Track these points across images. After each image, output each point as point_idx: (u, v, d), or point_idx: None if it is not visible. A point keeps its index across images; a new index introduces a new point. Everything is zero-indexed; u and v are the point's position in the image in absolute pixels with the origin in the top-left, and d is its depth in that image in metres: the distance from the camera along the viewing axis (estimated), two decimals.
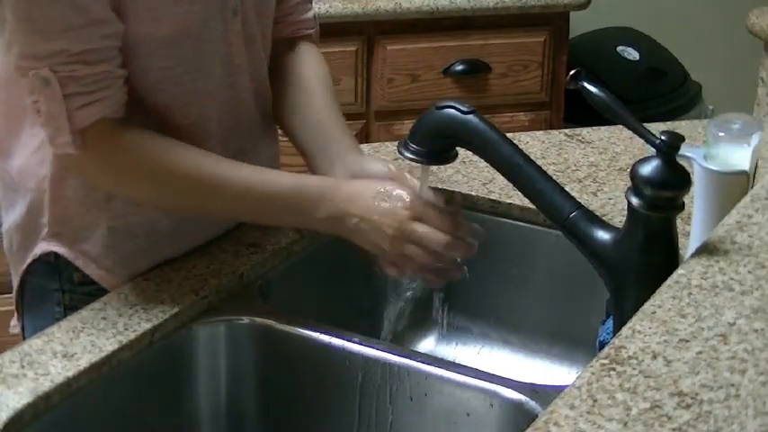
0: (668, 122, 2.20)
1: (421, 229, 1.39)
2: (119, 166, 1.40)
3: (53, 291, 1.50)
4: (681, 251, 1.31)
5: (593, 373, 1.02)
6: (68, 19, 1.31)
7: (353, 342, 1.40)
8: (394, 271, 1.44)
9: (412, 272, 1.43)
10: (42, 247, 1.49)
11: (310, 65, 1.61)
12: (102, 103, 1.35)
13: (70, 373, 1.28)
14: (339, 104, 1.60)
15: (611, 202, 1.67)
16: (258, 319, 1.44)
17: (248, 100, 1.51)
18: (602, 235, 1.30)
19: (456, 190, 1.71)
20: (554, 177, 1.35)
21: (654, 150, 1.24)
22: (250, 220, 1.54)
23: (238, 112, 1.50)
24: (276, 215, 1.46)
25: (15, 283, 1.55)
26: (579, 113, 2.87)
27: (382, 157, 1.81)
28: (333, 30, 2.77)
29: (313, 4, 1.66)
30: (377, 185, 1.42)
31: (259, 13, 1.50)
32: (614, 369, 1.02)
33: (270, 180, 1.44)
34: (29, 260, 1.51)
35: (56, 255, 1.48)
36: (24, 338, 1.49)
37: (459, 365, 1.38)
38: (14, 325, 1.58)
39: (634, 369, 1.02)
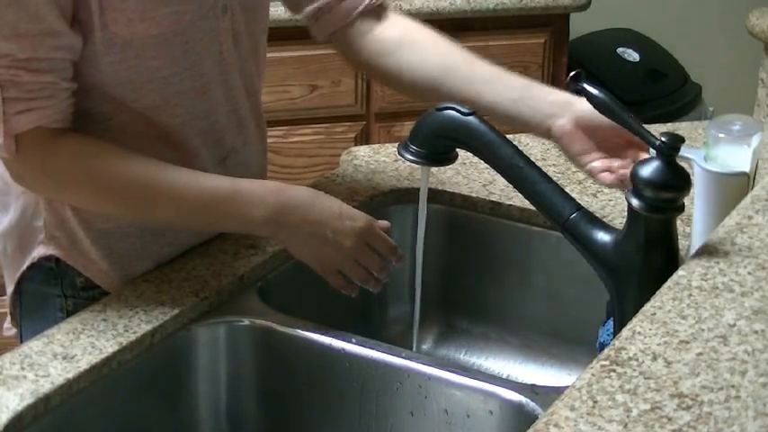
0: (668, 124, 2.21)
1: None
2: (53, 174, 1.39)
3: (54, 297, 1.50)
4: (681, 252, 1.31)
5: (593, 375, 1.02)
6: (20, 24, 1.31)
7: (353, 344, 1.39)
8: (338, 280, 1.44)
9: (358, 278, 1.44)
10: (41, 251, 1.48)
11: (422, 33, 1.58)
12: (40, 112, 1.34)
13: (70, 375, 1.28)
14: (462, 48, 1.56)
15: (611, 203, 1.67)
16: (258, 321, 1.44)
17: (239, 97, 1.51)
18: (603, 236, 1.30)
19: (456, 191, 1.71)
20: (554, 179, 1.35)
21: (654, 152, 1.24)
22: (188, 225, 1.49)
23: (229, 109, 1.50)
24: (214, 219, 1.44)
25: (10, 288, 1.54)
26: None
27: (382, 158, 1.81)
28: None
29: None
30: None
31: (246, 8, 1.49)
32: (614, 370, 1.02)
33: (206, 182, 1.42)
34: (26, 264, 1.50)
35: (56, 260, 1.48)
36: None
37: (459, 367, 1.38)
38: (8, 327, 1.58)
39: (634, 370, 1.02)
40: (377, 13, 1.58)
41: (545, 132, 1.45)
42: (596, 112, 1.34)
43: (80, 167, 1.39)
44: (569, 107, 1.42)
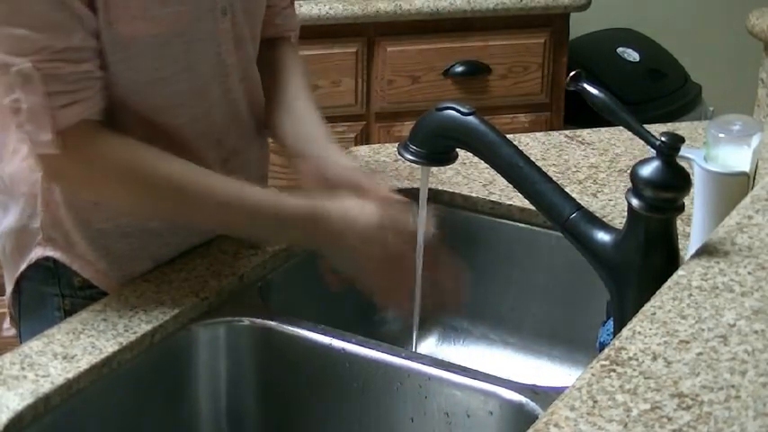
0: (668, 124, 2.21)
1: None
2: (98, 170, 1.39)
3: (52, 296, 1.50)
4: (681, 252, 1.31)
5: (593, 375, 1.02)
6: (50, 14, 1.30)
7: (354, 343, 1.40)
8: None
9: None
10: (38, 252, 1.48)
11: (288, 59, 1.61)
12: (85, 104, 1.34)
13: (70, 375, 1.28)
14: (315, 100, 1.59)
15: (611, 203, 1.67)
16: (258, 321, 1.44)
17: (239, 100, 1.51)
18: (603, 236, 1.30)
19: (456, 191, 1.71)
20: (554, 179, 1.35)
21: (654, 152, 1.24)
22: (226, 231, 1.52)
23: (229, 111, 1.50)
24: (255, 227, 1.45)
25: (9, 287, 1.54)
26: (579, 115, 2.88)
27: (382, 158, 1.81)
28: (333, 31, 2.78)
29: (296, 7, 1.67)
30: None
31: (248, 12, 1.50)
32: (614, 370, 1.02)
33: (251, 193, 1.43)
34: (24, 265, 1.50)
35: (54, 260, 1.48)
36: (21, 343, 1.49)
37: (459, 367, 1.38)
38: (8, 328, 1.58)
39: (634, 370, 1.02)
40: (272, 43, 1.61)
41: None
42: None
43: (124, 165, 1.38)
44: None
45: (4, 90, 1.34)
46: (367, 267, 1.42)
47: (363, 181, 1.45)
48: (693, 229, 1.44)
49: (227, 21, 1.46)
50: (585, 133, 1.92)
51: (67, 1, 1.31)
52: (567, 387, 1.01)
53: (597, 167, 1.80)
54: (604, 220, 1.35)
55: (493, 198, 1.69)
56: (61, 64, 1.32)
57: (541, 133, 1.98)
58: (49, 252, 1.48)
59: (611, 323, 1.33)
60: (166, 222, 1.48)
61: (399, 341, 1.64)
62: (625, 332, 1.08)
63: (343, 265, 1.44)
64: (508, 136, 1.38)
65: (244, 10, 1.49)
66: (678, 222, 1.29)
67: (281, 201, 1.43)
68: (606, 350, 1.06)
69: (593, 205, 1.63)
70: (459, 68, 2.94)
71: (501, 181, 1.49)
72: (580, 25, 3.19)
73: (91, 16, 1.34)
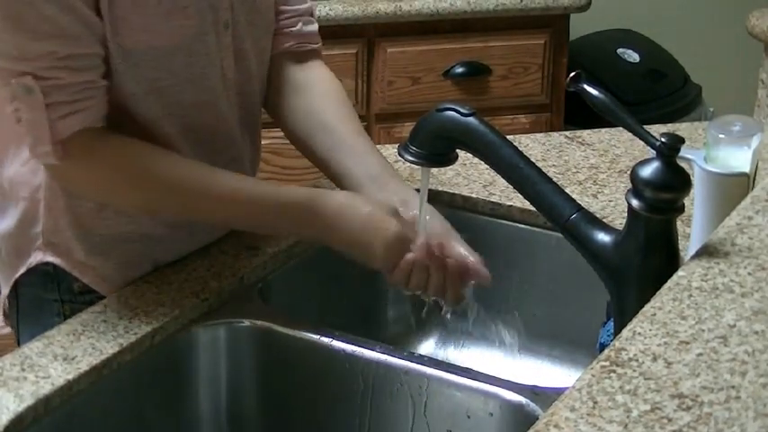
0: (668, 124, 2.21)
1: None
2: (102, 175, 1.39)
3: (51, 301, 1.49)
4: (681, 253, 1.31)
5: (593, 375, 1.02)
6: (59, 18, 1.30)
7: (354, 344, 1.40)
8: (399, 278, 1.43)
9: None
10: (38, 257, 1.48)
11: (323, 80, 1.59)
12: (84, 114, 1.34)
13: (71, 376, 1.28)
14: (357, 118, 1.57)
15: (611, 204, 1.67)
16: (258, 322, 1.44)
17: (234, 114, 1.50)
18: (603, 237, 1.30)
19: (456, 192, 1.71)
20: (554, 179, 1.35)
21: (654, 152, 1.24)
22: (236, 226, 1.52)
23: (221, 123, 1.48)
24: (265, 222, 1.44)
25: (6, 290, 1.54)
26: (579, 115, 2.88)
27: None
28: (333, 32, 2.78)
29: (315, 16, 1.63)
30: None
31: (252, 24, 1.49)
32: (615, 371, 1.02)
33: (257, 187, 1.43)
34: (22, 269, 1.50)
35: (54, 265, 1.48)
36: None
37: (459, 368, 1.38)
38: (1, 326, 1.58)
39: (634, 371, 1.02)
40: (301, 56, 1.59)
41: None
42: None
43: (128, 169, 1.39)
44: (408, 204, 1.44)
45: (8, 99, 1.34)
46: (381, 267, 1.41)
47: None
48: (693, 229, 1.44)
49: (229, 35, 1.45)
50: (585, 134, 1.92)
51: (77, 7, 1.31)
52: (568, 388, 1.01)
53: (597, 168, 1.80)
54: (604, 220, 1.35)
55: (493, 199, 1.69)
56: (63, 73, 1.32)
57: (541, 134, 1.99)
58: (49, 257, 1.48)
59: (611, 324, 1.33)
60: (168, 228, 1.48)
61: (399, 342, 1.64)
62: (625, 333, 1.08)
63: (353, 257, 1.43)
64: (508, 137, 1.38)
65: (248, 23, 1.48)
66: (678, 223, 1.29)
67: (280, 190, 1.44)
68: (606, 351, 1.06)
69: (593, 206, 1.63)
70: (460, 69, 2.94)
71: (501, 182, 1.49)
72: (580, 26, 3.19)
73: (99, 23, 1.33)
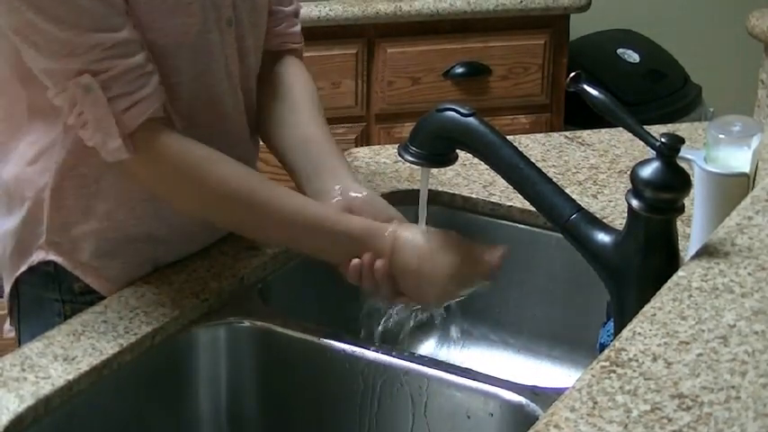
0: (668, 125, 2.21)
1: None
2: (165, 172, 1.39)
3: (52, 301, 1.49)
4: (681, 253, 1.31)
5: (593, 376, 1.02)
6: (96, 9, 1.30)
7: (354, 345, 1.40)
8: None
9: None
10: (40, 256, 1.48)
11: (298, 79, 1.59)
12: (146, 103, 1.34)
13: (71, 377, 1.28)
14: (326, 122, 1.56)
15: (611, 204, 1.67)
16: (258, 322, 1.44)
17: (238, 110, 1.50)
18: (603, 237, 1.30)
19: (456, 193, 1.71)
20: (554, 180, 1.35)
21: (654, 153, 1.24)
22: (286, 246, 1.52)
23: (227, 121, 1.49)
24: (315, 247, 1.43)
25: (7, 288, 1.54)
26: (579, 116, 2.88)
27: (382, 160, 1.81)
28: (333, 32, 2.78)
29: (299, 18, 1.64)
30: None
31: (253, 23, 1.49)
32: (615, 371, 1.02)
33: (317, 212, 1.42)
34: (23, 267, 1.49)
35: (55, 264, 1.48)
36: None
37: (459, 368, 1.38)
38: (9, 329, 1.58)
39: (634, 371, 1.02)
40: (279, 55, 1.59)
41: None
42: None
43: (195, 170, 1.38)
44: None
45: (68, 107, 1.33)
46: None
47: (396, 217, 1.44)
48: (693, 229, 1.44)
49: (232, 32, 1.45)
50: (585, 134, 1.92)
51: None
52: (568, 388, 1.01)
53: (597, 168, 1.80)
54: (604, 221, 1.35)
55: (493, 199, 1.69)
56: (116, 62, 1.31)
57: (541, 134, 1.99)
58: (52, 256, 1.47)
59: (611, 324, 1.33)
60: (170, 228, 1.48)
61: (400, 342, 1.64)
62: (625, 333, 1.08)
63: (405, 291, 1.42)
64: (508, 137, 1.38)
65: (250, 21, 1.48)
66: (678, 223, 1.29)
67: (340, 216, 1.42)
68: (606, 351, 1.06)
69: (593, 206, 1.63)
70: (460, 69, 2.94)
71: (501, 182, 1.49)
72: (580, 26, 3.19)
73: (125, 7, 1.33)
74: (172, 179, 1.39)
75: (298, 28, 1.63)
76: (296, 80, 1.59)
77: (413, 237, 1.39)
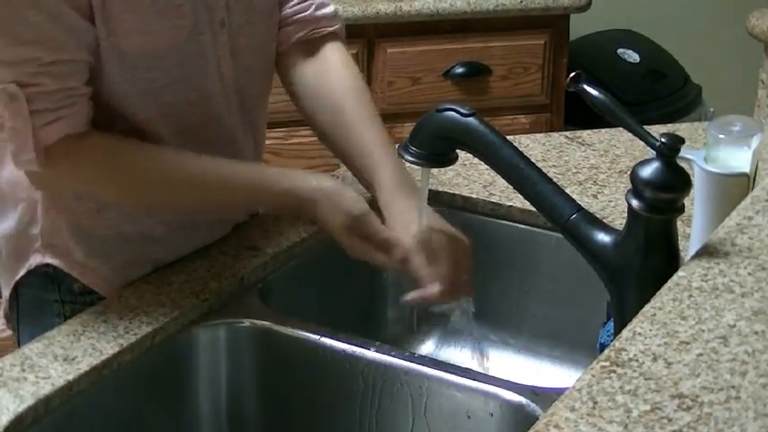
0: (668, 125, 2.21)
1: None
2: (85, 177, 1.40)
3: (52, 302, 1.49)
4: (681, 253, 1.31)
5: (593, 376, 1.02)
6: (43, 25, 1.30)
7: (354, 345, 1.39)
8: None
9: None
10: (37, 259, 1.48)
11: (337, 75, 1.55)
12: (67, 120, 1.34)
13: (71, 377, 1.28)
14: (374, 111, 1.55)
15: (611, 204, 1.67)
16: (258, 322, 1.44)
17: (230, 110, 1.49)
18: (603, 237, 1.30)
19: (456, 193, 1.71)
20: (554, 180, 1.35)
21: (654, 153, 1.24)
22: (224, 209, 1.55)
23: (218, 122, 1.48)
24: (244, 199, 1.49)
25: (6, 292, 1.54)
26: (579, 116, 2.88)
27: None
28: None
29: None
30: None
31: (249, 22, 1.48)
32: (615, 371, 1.02)
33: (237, 169, 1.45)
34: (22, 271, 1.50)
35: (53, 266, 1.48)
36: None
37: (459, 368, 1.38)
38: (2, 329, 1.58)
39: (634, 371, 1.02)
40: (314, 44, 1.56)
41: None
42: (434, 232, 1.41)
43: (109, 165, 1.40)
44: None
45: None
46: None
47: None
48: (693, 229, 1.44)
49: (225, 32, 1.44)
50: (586, 134, 1.92)
51: (64, 14, 1.30)
52: (568, 388, 1.01)
53: (597, 168, 1.80)
54: (604, 221, 1.35)
55: (493, 199, 1.69)
56: (47, 79, 1.31)
57: (541, 134, 1.99)
58: (48, 259, 1.47)
59: (611, 324, 1.33)
60: (167, 228, 1.48)
61: (399, 342, 1.64)
62: (625, 333, 1.08)
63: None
64: (508, 137, 1.38)
65: (246, 21, 1.47)
66: (678, 223, 1.29)
67: (265, 176, 1.47)
68: (606, 351, 1.06)
69: (593, 206, 1.63)
70: (460, 70, 2.94)
71: (501, 182, 1.49)
72: (580, 26, 3.19)
73: (88, 29, 1.33)
74: (93, 181, 1.42)
75: (328, 9, 1.57)
76: (336, 77, 1.55)
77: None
